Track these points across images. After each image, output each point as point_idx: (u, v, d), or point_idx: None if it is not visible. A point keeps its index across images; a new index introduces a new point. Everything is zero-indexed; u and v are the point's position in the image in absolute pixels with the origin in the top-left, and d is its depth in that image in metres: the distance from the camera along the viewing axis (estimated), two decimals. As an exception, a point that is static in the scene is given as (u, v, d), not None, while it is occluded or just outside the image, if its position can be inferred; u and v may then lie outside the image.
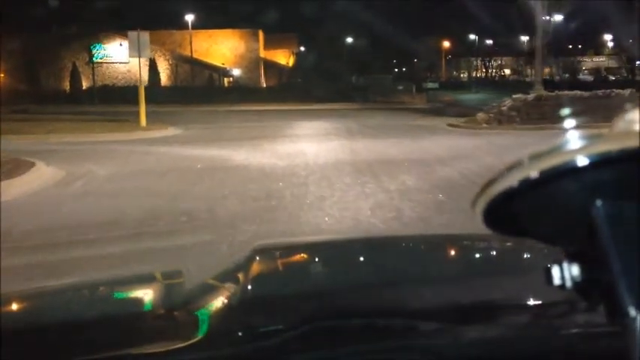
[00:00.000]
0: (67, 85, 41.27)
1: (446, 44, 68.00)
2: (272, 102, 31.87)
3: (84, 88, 40.46)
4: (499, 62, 73.38)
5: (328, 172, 8.81)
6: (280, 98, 33.45)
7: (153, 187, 7.75)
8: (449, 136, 14.40)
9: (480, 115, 16.33)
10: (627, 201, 0.50)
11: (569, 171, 0.48)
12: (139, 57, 16.32)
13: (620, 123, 0.52)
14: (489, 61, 71.45)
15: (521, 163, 0.50)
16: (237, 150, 11.76)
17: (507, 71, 75.64)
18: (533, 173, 0.49)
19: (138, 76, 36.45)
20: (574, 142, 0.48)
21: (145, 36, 16.20)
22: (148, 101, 25.19)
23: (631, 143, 0.47)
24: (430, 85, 55.45)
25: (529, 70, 73.66)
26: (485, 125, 15.74)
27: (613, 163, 0.48)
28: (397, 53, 53.19)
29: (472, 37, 65.17)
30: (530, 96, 15.77)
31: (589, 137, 0.49)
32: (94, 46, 41.50)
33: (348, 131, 15.91)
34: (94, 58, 41.18)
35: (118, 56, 39.54)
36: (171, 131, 16.35)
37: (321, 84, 36.21)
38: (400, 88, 39.10)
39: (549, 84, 41.06)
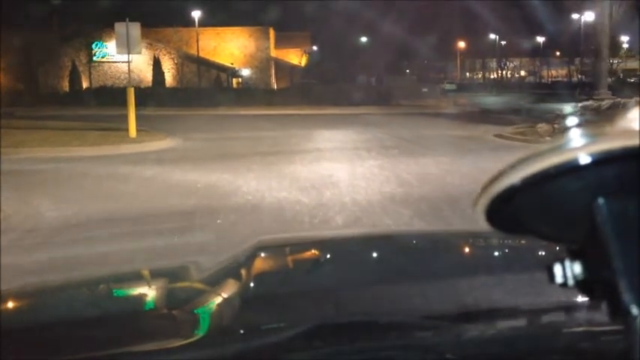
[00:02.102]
0: (66, 85, 38.67)
1: (461, 45, 65.23)
2: (284, 105, 28.91)
3: (83, 88, 37.86)
4: (514, 63, 70.88)
5: (377, 220, 6.04)
6: (293, 101, 30.51)
7: (113, 251, 5.01)
8: (510, 153, 11.48)
9: (542, 126, 13.42)
10: (629, 199, 0.50)
11: (571, 169, 0.48)
12: (129, 53, 13.52)
13: (621, 121, 0.52)
14: (505, 62, 68.90)
15: (523, 161, 0.49)
16: (245, 174, 9.01)
17: (522, 72, 73.22)
18: (535, 171, 0.49)
19: (142, 75, 33.65)
20: (576, 140, 0.49)
21: (136, 28, 13.38)
22: (148, 104, 22.63)
23: (632, 141, 0.47)
24: (447, 86, 52.85)
25: (546, 72, 71.42)
26: (548, 139, 12.86)
27: (615, 161, 0.48)
28: (410, 53, 50.43)
29: (490, 37, 62.15)
30: (605, 103, 12.84)
31: (590, 135, 0.49)
32: (96, 44, 38.90)
33: (380, 145, 13.00)
34: (94, 57, 38.55)
35: (120, 55, 36.87)
36: (166, 142, 13.54)
37: (337, 86, 33.35)
38: (425, 90, 36.10)
39: (575, 87, 38.63)
